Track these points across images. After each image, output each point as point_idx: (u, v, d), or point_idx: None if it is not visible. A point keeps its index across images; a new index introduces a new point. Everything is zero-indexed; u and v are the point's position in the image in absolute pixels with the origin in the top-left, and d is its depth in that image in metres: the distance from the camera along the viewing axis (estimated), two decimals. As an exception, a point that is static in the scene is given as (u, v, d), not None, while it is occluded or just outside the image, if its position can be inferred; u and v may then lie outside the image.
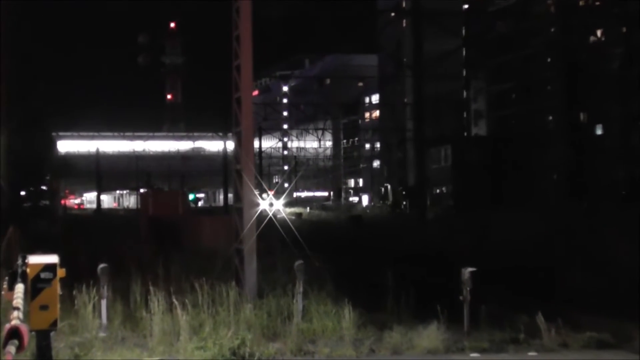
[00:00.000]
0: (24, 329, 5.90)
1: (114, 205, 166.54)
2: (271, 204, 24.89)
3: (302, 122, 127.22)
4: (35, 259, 11.02)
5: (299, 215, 66.87)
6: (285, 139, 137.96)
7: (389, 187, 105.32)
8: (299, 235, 19.88)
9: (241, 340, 12.70)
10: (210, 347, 12.43)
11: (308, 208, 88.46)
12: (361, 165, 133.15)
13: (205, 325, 13.23)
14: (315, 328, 13.96)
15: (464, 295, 14.06)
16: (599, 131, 68.70)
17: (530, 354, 12.96)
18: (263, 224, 19.00)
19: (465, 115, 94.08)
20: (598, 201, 45.82)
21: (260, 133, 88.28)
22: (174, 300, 13.35)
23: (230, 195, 60.06)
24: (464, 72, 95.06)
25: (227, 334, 12.76)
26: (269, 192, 32.18)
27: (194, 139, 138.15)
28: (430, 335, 13.15)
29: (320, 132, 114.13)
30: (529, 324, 13.73)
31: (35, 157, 71.08)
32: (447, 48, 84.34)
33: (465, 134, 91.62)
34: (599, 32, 69.17)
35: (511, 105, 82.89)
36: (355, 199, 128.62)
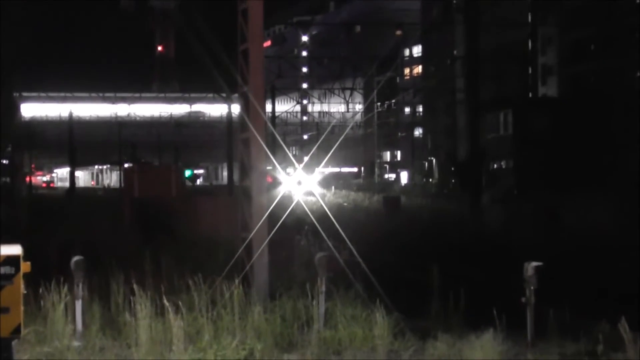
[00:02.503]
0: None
1: (91, 183, 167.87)
2: (299, 182, 24.94)
3: (325, 80, 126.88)
4: (-7, 250, 11.14)
5: (321, 196, 66.96)
6: (305, 101, 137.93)
7: (434, 161, 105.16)
8: (321, 223, 19.88)
9: (248, 350, 12.80)
10: (211, 359, 12.53)
11: (333, 187, 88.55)
12: (399, 134, 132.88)
13: (204, 333, 13.32)
14: (340, 336, 14.02)
15: (527, 296, 14.05)
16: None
17: (611, 370, 12.97)
18: (289, 213, 19.04)
19: (530, 71, 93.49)
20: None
21: (274, 94, 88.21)
22: (165, 301, 13.44)
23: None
24: (530, 17, 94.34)
25: (232, 344, 12.85)
26: (297, 165, 32.09)
27: (190, 101, 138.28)
28: (485, 346, 13.16)
29: (348, 93, 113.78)
30: (610, 334, 13.71)
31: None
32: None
33: (531, 95, 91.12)
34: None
35: (589, 59, 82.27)
36: (391, 176, 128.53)
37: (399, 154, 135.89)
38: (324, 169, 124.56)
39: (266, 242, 16.83)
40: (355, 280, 16.13)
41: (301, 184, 25.04)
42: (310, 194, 42.55)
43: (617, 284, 18.61)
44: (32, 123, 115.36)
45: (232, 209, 20.42)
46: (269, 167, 18.08)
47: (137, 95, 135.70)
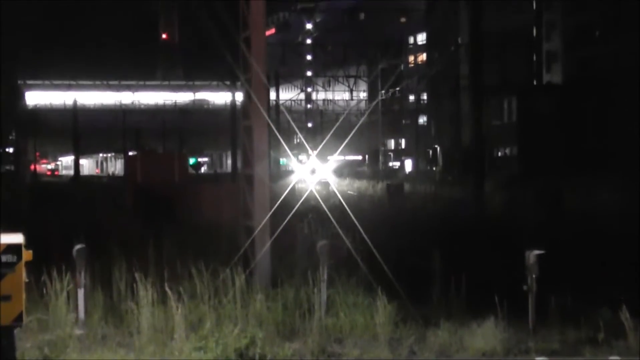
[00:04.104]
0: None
1: (96, 171, 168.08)
2: (313, 171, 24.63)
3: (329, 67, 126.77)
4: (-7, 238, 11.17)
5: (324, 184, 66.83)
6: (309, 89, 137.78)
7: (438, 149, 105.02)
8: (324, 210, 19.92)
9: (250, 339, 12.82)
10: (212, 347, 12.55)
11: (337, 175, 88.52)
12: (404, 122, 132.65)
13: (206, 321, 13.35)
14: (342, 324, 14.06)
15: (529, 284, 14.08)
16: None
17: (612, 358, 12.97)
18: (290, 199, 19.05)
19: (535, 57, 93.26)
20: None
21: (277, 81, 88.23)
22: (167, 289, 13.47)
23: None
24: (534, 2, 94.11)
25: (233, 331, 12.88)
26: (311, 152, 31.72)
27: (194, 88, 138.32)
28: (486, 334, 13.20)
29: (352, 81, 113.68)
30: (612, 322, 13.73)
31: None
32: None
33: (535, 81, 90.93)
34: None
35: (594, 44, 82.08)
36: (396, 163, 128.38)
37: (403, 141, 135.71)
38: (335, 157, 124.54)
39: (267, 227, 16.83)
40: (356, 268, 16.12)
41: (315, 173, 24.78)
42: (322, 183, 42.28)
43: (619, 270, 18.60)
44: (36, 111, 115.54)
45: (235, 196, 20.45)
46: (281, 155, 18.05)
47: (141, 83, 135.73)
